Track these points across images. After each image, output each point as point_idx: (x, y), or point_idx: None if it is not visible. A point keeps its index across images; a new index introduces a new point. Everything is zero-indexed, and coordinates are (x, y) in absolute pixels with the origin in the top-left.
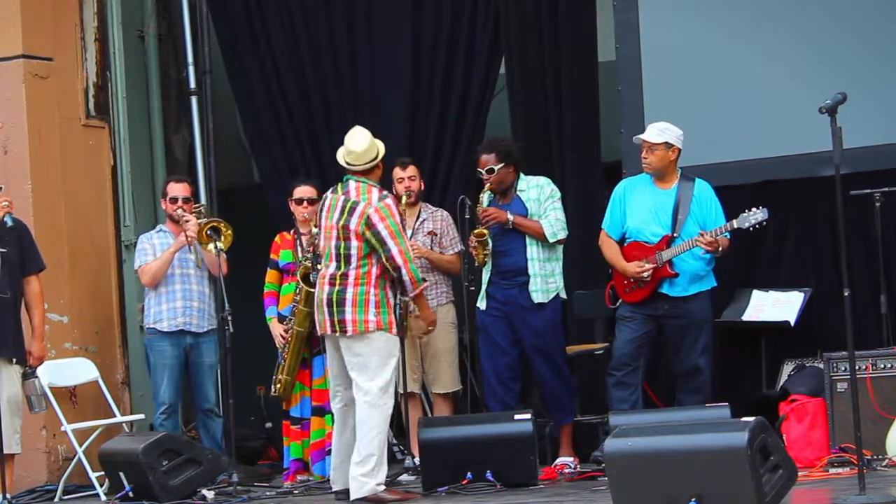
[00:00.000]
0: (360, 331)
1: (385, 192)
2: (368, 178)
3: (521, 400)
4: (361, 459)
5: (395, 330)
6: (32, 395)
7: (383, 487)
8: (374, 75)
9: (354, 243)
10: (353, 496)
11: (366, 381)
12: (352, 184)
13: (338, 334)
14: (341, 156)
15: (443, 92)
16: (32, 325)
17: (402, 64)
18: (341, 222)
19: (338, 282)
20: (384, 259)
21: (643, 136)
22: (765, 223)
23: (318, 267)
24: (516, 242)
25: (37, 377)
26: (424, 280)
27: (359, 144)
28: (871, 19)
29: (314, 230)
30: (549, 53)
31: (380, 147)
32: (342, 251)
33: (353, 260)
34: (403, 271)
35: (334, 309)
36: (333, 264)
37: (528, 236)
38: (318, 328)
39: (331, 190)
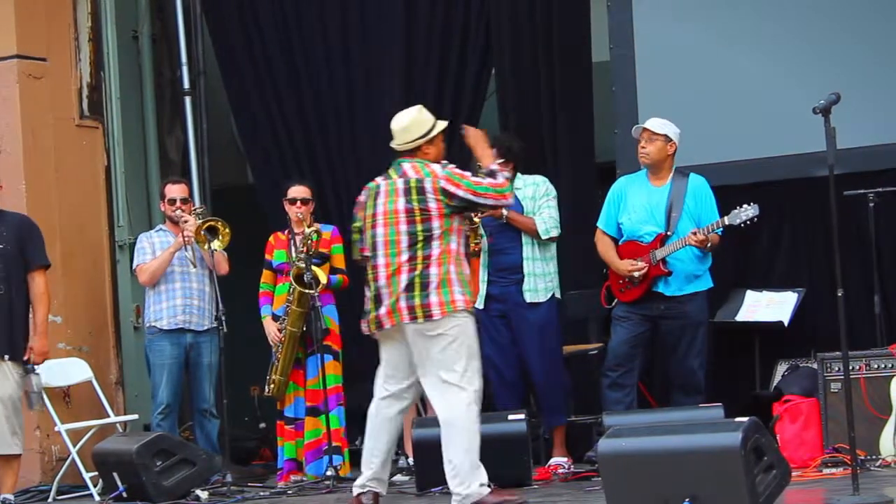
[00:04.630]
0: (448, 311)
1: (445, 161)
2: (421, 158)
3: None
4: (455, 468)
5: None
6: (31, 393)
7: (487, 490)
8: (368, 75)
9: (437, 223)
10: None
11: (449, 370)
12: (406, 165)
13: (420, 320)
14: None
15: (436, 92)
16: (35, 322)
17: (396, 64)
18: (417, 205)
19: (420, 265)
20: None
21: (646, 125)
22: (756, 219)
23: (366, 256)
24: (513, 241)
25: (36, 374)
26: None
27: (398, 122)
28: (865, 20)
29: (308, 230)
30: (543, 54)
31: (430, 125)
32: (420, 234)
33: (436, 239)
34: (502, 203)
35: (416, 293)
36: (405, 248)
37: (524, 235)
38: (379, 323)
39: (381, 177)
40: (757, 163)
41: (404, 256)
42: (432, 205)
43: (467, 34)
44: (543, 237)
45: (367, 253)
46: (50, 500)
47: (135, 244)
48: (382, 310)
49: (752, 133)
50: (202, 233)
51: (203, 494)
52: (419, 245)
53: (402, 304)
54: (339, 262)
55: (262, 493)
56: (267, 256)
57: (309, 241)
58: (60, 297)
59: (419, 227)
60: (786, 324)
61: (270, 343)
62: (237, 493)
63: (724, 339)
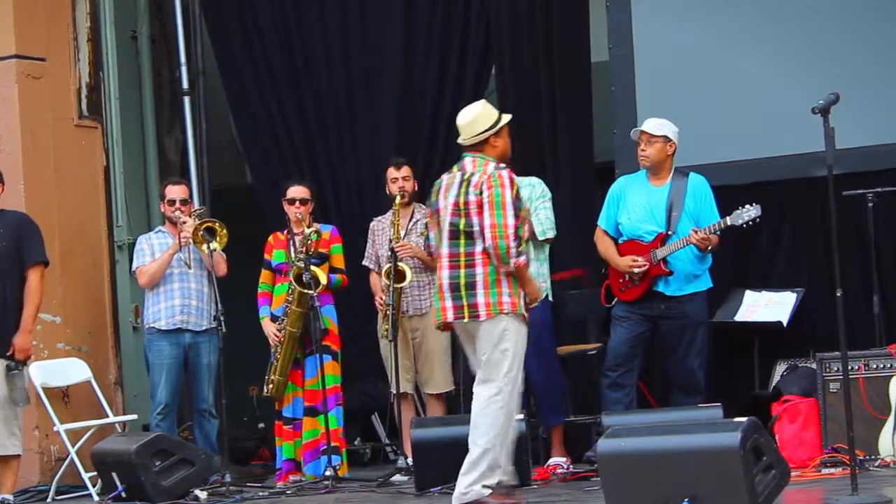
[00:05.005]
0: (494, 314)
1: (503, 165)
2: (485, 153)
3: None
4: (472, 460)
5: (526, 314)
6: (13, 390)
7: (488, 492)
8: (367, 75)
9: (477, 219)
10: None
11: (491, 370)
12: (467, 159)
13: (466, 320)
14: None
15: (435, 92)
16: (22, 318)
17: (395, 64)
18: (462, 199)
19: (463, 262)
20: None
21: (643, 128)
22: (758, 220)
23: (543, 239)
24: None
25: (18, 370)
26: (520, 256)
27: (463, 117)
28: (864, 19)
29: (307, 230)
30: (542, 53)
31: (496, 118)
32: (463, 228)
33: (478, 236)
34: (489, 244)
35: (462, 293)
36: (452, 243)
37: None
38: (438, 316)
39: (446, 172)
40: (756, 163)
41: (446, 251)
42: (473, 198)
43: (467, 34)
44: (540, 238)
45: (433, 248)
46: (49, 500)
47: (134, 245)
48: (437, 304)
49: (751, 133)
50: (200, 234)
51: (202, 494)
52: (462, 241)
53: (448, 303)
54: (339, 262)
55: (260, 494)
56: (266, 256)
57: (308, 242)
58: (59, 297)
59: (462, 222)
60: (785, 324)
61: (270, 344)
62: (236, 493)
63: (723, 339)
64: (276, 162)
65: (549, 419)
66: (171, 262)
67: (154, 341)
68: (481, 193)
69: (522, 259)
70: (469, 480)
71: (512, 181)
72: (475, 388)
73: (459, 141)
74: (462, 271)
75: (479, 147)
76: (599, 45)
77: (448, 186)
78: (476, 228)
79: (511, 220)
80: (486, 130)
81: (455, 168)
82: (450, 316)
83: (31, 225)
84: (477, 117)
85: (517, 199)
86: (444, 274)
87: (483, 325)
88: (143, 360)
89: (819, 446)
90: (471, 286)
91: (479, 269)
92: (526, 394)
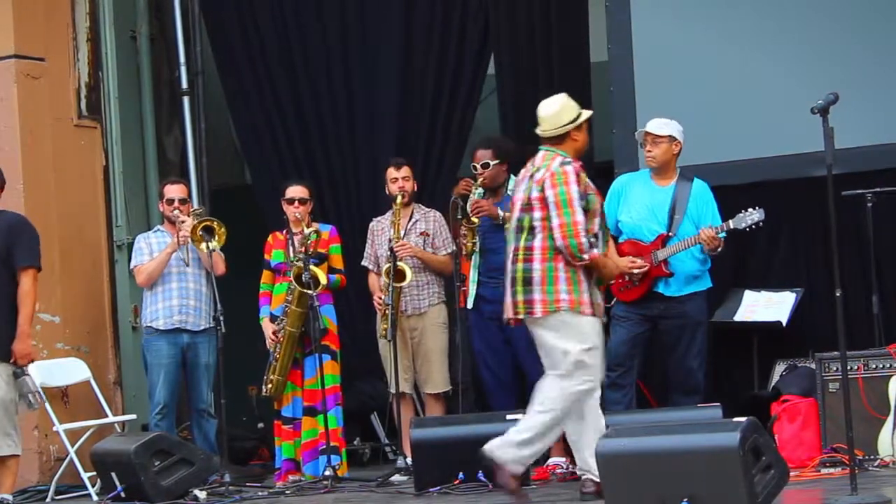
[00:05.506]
0: (550, 311)
1: (569, 159)
2: (560, 147)
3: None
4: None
5: (589, 310)
6: (28, 394)
7: (519, 469)
8: (366, 76)
9: (539, 213)
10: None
11: (555, 366)
12: (540, 153)
13: (522, 316)
14: None
15: (434, 91)
16: (18, 324)
17: (394, 64)
18: (526, 194)
19: (521, 257)
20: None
21: (647, 128)
22: (761, 224)
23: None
24: (506, 241)
25: (27, 375)
26: (592, 249)
27: (546, 108)
28: (864, 19)
29: (307, 230)
30: (541, 54)
31: (577, 111)
32: (526, 223)
33: (539, 232)
34: (560, 244)
35: (519, 288)
36: (516, 237)
37: None
38: (505, 312)
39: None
40: (755, 163)
41: (510, 245)
42: (535, 194)
43: (465, 34)
44: None
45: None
46: (48, 499)
47: (133, 244)
48: (508, 299)
49: (750, 133)
50: (198, 232)
51: (201, 494)
52: (523, 235)
53: (509, 298)
54: (338, 262)
55: (260, 493)
56: (266, 257)
57: (308, 241)
58: (59, 297)
59: (524, 216)
60: (784, 324)
61: (268, 345)
62: (235, 492)
63: (722, 340)
64: (275, 162)
65: None
66: (170, 262)
67: (152, 341)
68: (543, 190)
69: (595, 252)
70: (529, 453)
71: (578, 176)
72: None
73: (539, 132)
74: (520, 265)
75: (558, 140)
76: (599, 46)
77: (521, 180)
78: (537, 224)
79: (578, 217)
80: (569, 123)
81: (529, 162)
82: (510, 311)
83: (24, 227)
84: (560, 109)
85: (585, 194)
86: (509, 268)
87: (538, 321)
88: (142, 360)
89: (818, 446)
90: (527, 281)
91: (536, 265)
92: (525, 393)
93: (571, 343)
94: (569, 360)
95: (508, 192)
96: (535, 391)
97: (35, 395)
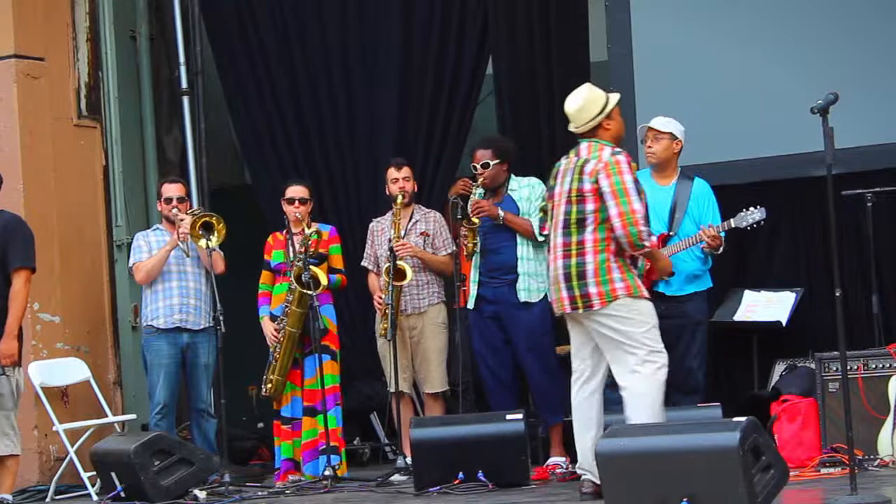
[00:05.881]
0: (607, 301)
1: (619, 149)
2: (600, 138)
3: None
4: None
5: (646, 293)
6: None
7: None
8: (365, 76)
9: (591, 206)
10: None
11: (627, 357)
12: (583, 145)
13: (581, 311)
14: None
15: (433, 92)
16: (6, 324)
17: (393, 64)
18: (575, 186)
19: (574, 251)
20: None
21: (650, 124)
22: (762, 222)
23: (545, 236)
24: (507, 241)
25: (6, 376)
26: (651, 237)
27: (571, 104)
28: (864, 19)
29: (307, 230)
30: (541, 54)
31: (604, 99)
32: (574, 216)
33: (590, 224)
34: (620, 233)
35: (574, 283)
36: (564, 232)
37: (519, 235)
38: (554, 308)
39: (564, 156)
40: (755, 162)
41: (560, 240)
42: (587, 186)
43: (464, 34)
44: (540, 238)
45: (546, 232)
46: (48, 499)
47: (132, 243)
48: (553, 294)
49: (750, 133)
50: (198, 229)
51: (201, 494)
52: (573, 229)
53: (564, 293)
54: (338, 262)
55: (259, 493)
56: (265, 256)
57: (308, 241)
58: (58, 297)
59: (574, 209)
60: (784, 324)
61: (268, 344)
62: (235, 492)
63: (722, 339)
64: (275, 162)
65: (549, 419)
66: (169, 261)
67: (152, 341)
68: (597, 182)
69: (654, 239)
70: None
71: (630, 164)
72: (619, 381)
73: (571, 129)
74: (573, 260)
75: (591, 132)
76: (598, 45)
77: (563, 172)
78: (589, 216)
79: (637, 205)
80: (598, 115)
81: (571, 153)
82: (567, 307)
83: (18, 228)
84: (585, 103)
85: (636, 183)
86: (559, 264)
87: (598, 313)
88: (141, 360)
89: (818, 446)
90: (581, 276)
91: (588, 258)
92: (525, 393)
93: (636, 325)
94: (639, 339)
95: (509, 192)
96: (624, 400)
97: (10, 398)
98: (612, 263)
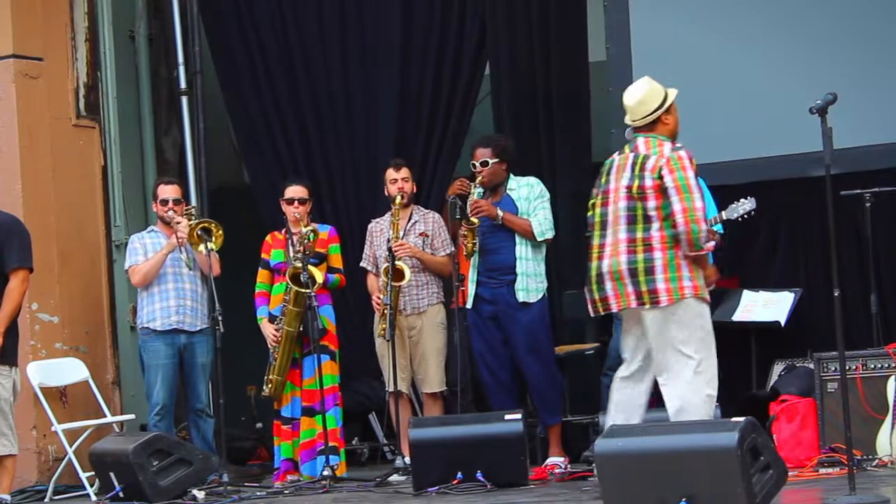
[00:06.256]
0: (676, 299)
1: (679, 145)
2: (654, 133)
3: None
4: None
5: (708, 297)
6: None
7: None
8: (364, 75)
9: (653, 203)
10: None
11: (681, 364)
12: (640, 140)
13: (647, 306)
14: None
15: (432, 92)
16: None
17: (392, 64)
18: (636, 182)
19: (640, 247)
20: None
21: None
22: (753, 213)
23: (588, 234)
24: (506, 241)
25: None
26: (710, 241)
27: (630, 97)
28: (862, 20)
29: (304, 230)
30: (539, 53)
31: (664, 94)
32: (639, 212)
33: (655, 221)
34: (682, 230)
35: (641, 278)
36: (628, 227)
37: (518, 235)
38: (606, 305)
39: (616, 152)
40: (754, 163)
41: (623, 235)
42: (648, 182)
43: (463, 34)
44: (539, 239)
45: (590, 231)
46: (46, 499)
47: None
48: (609, 291)
49: (748, 133)
50: (197, 234)
51: (200, 494)
52: (638, 225)
53: (630, 288)
54: (337, 261)
55: (258, 493)
56: (264, 256)
57: (306, 241)
58: (57, 297)
59: (637, 205)
60: (782, 324)
61: (268, 345)
62: (234, 492)
63: (720, 339)
64: (274, 162)
65: (547, 419)
66: (165, 263)
67: (149, 342)
68: (661, 178)
69: (712, 244)
70: None
71: (692, 160)
72: (658, 378)
73: (628, 121)
74: (640, 256)
75: (650, 127)
76: (597, 45)
77: (620, 168)
78: (652, 213)
79: (700, 203)
80: (658, 109)
81: (626, 149)
82: (633, 302)
83: (13, 228)
84: (645, 96)
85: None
86: (623, 259)
87: (664, 310)
88: (139, 361)
89: (817, 446)
90: (649, 271)
91: (657, 254)
92: (524, 393)
93: (695, 331)
94: (695, 343)
95: (508, 192)
96: (671, 407)
97: (9, 397)
98: (682, 261)
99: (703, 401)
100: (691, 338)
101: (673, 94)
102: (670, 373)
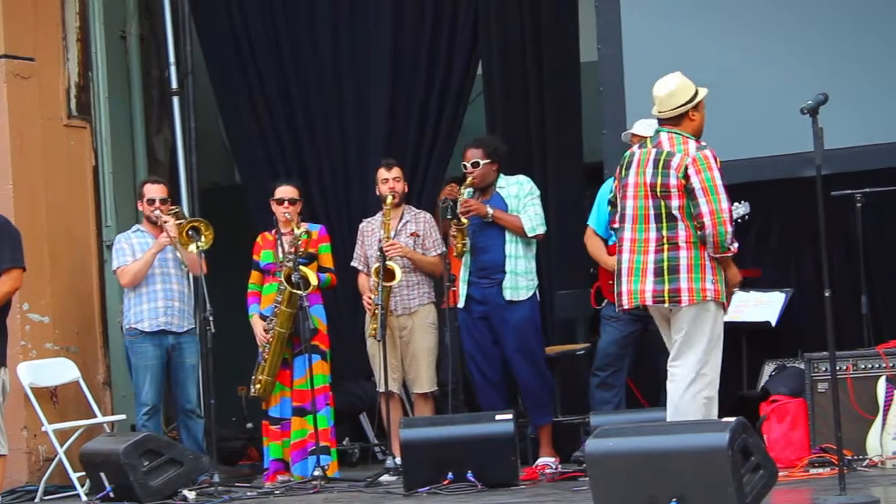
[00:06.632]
0: (697, 300)
1: (704, 143)
2: (678, 128)
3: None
4: None
5: (726, 303)
6: None
7: None
8: (356, 75)
9: (676, 202)
10: None
11: (686, 360)
12: (663, 135)
13: (667, 305)
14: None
15: (423, 92)
16: None
17: (383, 64)
18: (660, 180)
19: (666, 246)
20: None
21: (633, 130)
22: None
23: (615, 229)
24: (496, 239)
25: None
26: (734, 243)
27: (662, 88)
28: (853, 20)
29: (297, 231)
30: (531, 53)
31: (694, 90)
32: (664, 211)
33: (680, 220)
34: (709, 232)
35: (665, 277)
36: (653, 226)
37: (508, 233)
38: (625, 300)
39: (637, 146)
40: (744, 163)
41: (652, 234)
42: (673, 181)
43: (454, 34)
44: (530, 235)
45: (617, 225)
46: (37, 500)
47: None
48: (625, 287)
49: (739, 133)
50: (187, 233)
51: (190, 495)
52: (664, 224)
53: (649, 286)
54: (327, 261)
55: (249, 494)
56: (254, 257)
57: (298, 242)
58: (47, 297)
59: (662, 204)
60: (773, 324)
61: (258, 343)
62: (224, 493)
63: None
64: (265, 162)
65: (538, 419)
66: (153, 264)
67: (137, 343)
68: (686, 177)
69: (736, 246)
70: None
71: (717, 160)
72: (671, 370)
73: (655, 112)
74: (665, 255)
75: (675, 121)
76: (588, 46)
77: (641, 163)
78: (676, 213)
79: (726, 204)
80: (687, 103)
81: (649, 143)
82: (650, 300)
83: (5, 228)
84: (676, 89)
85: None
86: (651, 258)
87: (684, 310)
88: (126, 362)
89: (807, 446)
90: (674, 270)
91: (682, 253)
92: (514, 393)
93: (710, 331)
94: (706, 345)
95: (497, 190)
96: (671, 408)
97: None
98: (707, 262)
99: (702, 402)
100: (702, 340)
101: (704, 92)
102: (676, 369)
